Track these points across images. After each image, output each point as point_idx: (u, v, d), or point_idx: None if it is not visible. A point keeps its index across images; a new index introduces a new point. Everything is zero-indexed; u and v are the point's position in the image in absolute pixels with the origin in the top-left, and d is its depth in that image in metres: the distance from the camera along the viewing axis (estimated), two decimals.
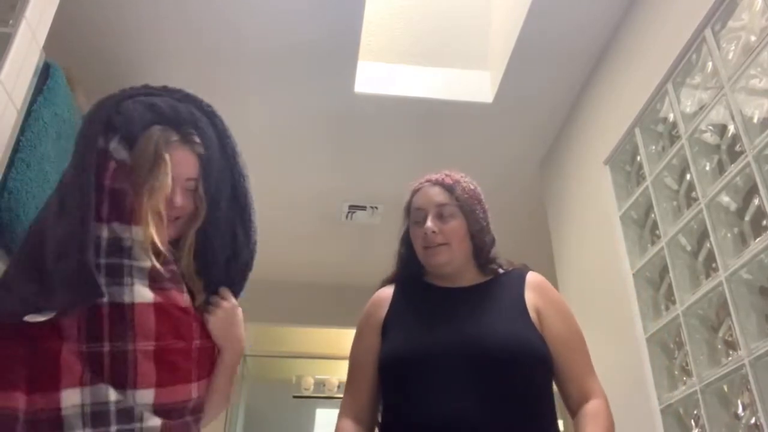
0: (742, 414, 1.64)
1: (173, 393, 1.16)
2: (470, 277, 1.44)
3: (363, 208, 3.58)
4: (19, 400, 1.03)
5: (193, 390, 1.19)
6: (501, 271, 1.47)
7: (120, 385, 1.09)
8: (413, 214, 1.46)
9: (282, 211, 3.62)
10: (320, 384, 5.54)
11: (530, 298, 1.37)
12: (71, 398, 1.05)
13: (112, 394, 1.07)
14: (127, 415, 1.08)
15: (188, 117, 1.34)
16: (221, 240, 1.34)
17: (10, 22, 1.39)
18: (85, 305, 1.10)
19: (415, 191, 1.48)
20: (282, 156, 3.17)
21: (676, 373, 1.93)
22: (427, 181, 1.48)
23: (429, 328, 1.35)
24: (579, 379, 1.32)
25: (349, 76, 2.67)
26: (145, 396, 1.11)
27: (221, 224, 1.34)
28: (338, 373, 5.42)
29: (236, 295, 1.39)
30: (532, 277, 1.43)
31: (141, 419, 1.09)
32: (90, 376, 1.07)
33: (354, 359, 1.43)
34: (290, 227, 3.78)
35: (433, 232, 1.39)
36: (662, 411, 1.93)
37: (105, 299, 1.11)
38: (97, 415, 1.06)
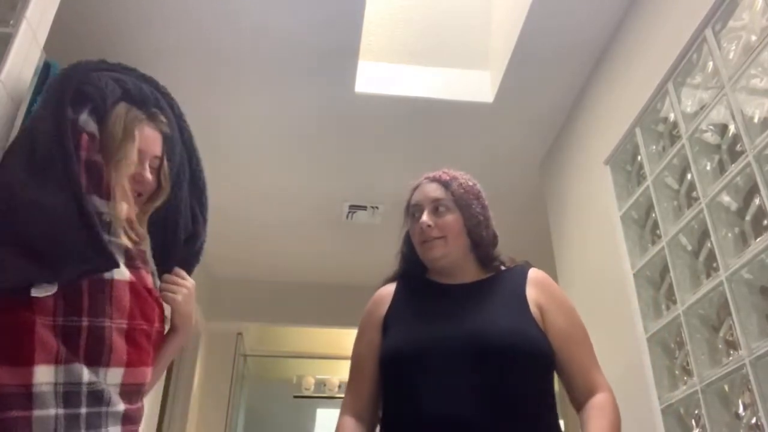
0: (743, 414, 1.64)
1: (138, 374, 1.16)
2: (471, 273, 1.45)
3: (363, 208, 3.58)
4: None
5: (148, 373, 1.20)
6: (503, 268, 1.47)
7: (94, 362, 1.08)
8: (411, 210, 1.49)
9: (283, 211, 3.63)
10: (321, 384, 5.55)
11: (532, 294, 1.37)
12: (45, 375, 1.03)
13: (86, 375, 1.06)
14: (96, 397, 1.07)
15: (152, 97, 1.37)
16: (184, 220, 1.36)
17: (11, 22, 1.39)
18: (95, 276, 1.10)
19: (414, 189, 1.52)
20: (282, 156, 3.17)
21: (677, 372, 1.93)
22: (425, 178, 1.51)
23: (429, 323, 1.36)
24: (584, 373, 1.31)
25: (350, 76, 2.67)
26: (116, 375, 1.11)
27: (182, 204, 1.36)
28: (339, 373, 5.42)
29: (190, 273, 1.39)
30: (534, 274, 1.42)
31: (108, 403, 1.08)
32: (65, 353, 1.05)
33: (355, 357, 1.44)
34: (291, 227, 3.79)
35: (429, 226, 1.42)
36: (663, 411, 1.93)
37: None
38: (69, 395, 1.04)
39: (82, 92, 1.21)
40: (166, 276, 1.32)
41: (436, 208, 1.44)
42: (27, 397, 1.01)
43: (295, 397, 5.48)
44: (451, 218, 1.43)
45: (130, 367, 1.14)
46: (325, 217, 3.67)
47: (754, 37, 1.65)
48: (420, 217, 1.44)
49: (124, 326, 1.14)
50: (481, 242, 1.45)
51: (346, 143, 3.09)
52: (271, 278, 4.38)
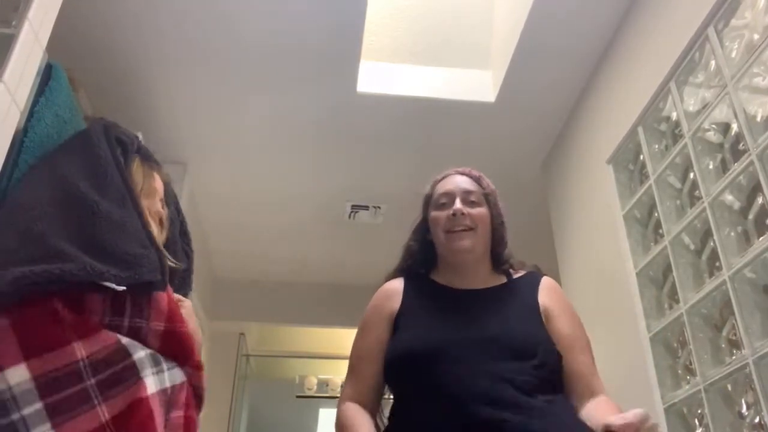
0: (746, 413, 1.64)
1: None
2: (482, 277, 1.42)
3: (366, 207, 3.58)
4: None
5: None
6: (512, 272, 1.46)
7: None
8: (437, 199, 1.45)
9: (285, 211, 3.63)
10: (323, 384, 5.55)
11: (543, 302, 1.37)
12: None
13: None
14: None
15: (149, 152, 1.67)
16: (180, 254, 1.60)
17: (13, 23, 1.39)
18: (153, 288, 1.30)
19: (439, 180, 1.50)
20: (284, 156, 3.17)
21: (680, 372, 1.93)
22: (454, 171, 1.50)
23: (448, 326, 1.33)
24: (586, 379, 1.31)
25: (352, 75, 2.67)
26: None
27: (177, 242, 1.62)
28: (341, 372, 5.39)
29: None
30: (546, 282, 1.42)
31: None
32: None
33: (359, 350, 1.40)
34: (293, 227, 3.79)
35: (463, 213, 1.39)
36: (666, 410, 1.93)
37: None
38: None
39: (119, 139, 1.53)
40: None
41: (467, 199, 1.41)
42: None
43: (298, 397, 5.48)
44: (483, 211, 1.42)
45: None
46: (327, 217, 3.67)
47: (756, 36, 1.65)
48: (451, 204, 1.41)
49: (161, 328, 1.30)
50: (500, 243, 1.45)
51: (348, 143, 3.09)
52: (273, 278, 4.38)
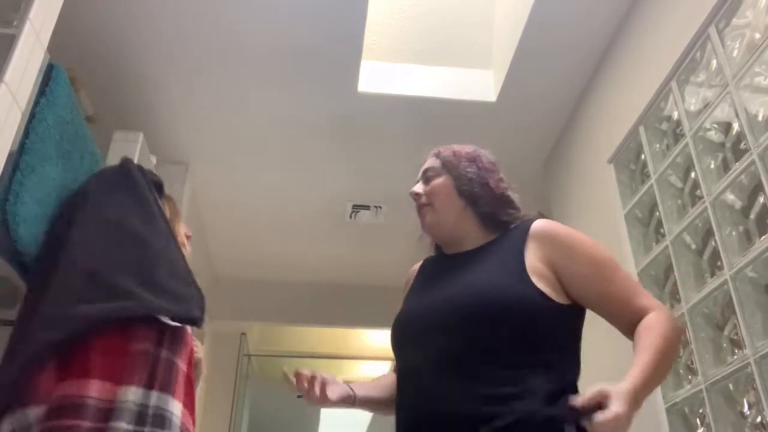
0: (748, 413, 1.64)
1: (188, 415, 1.43)
2: (475, 238, 1.37)
3: (367, 207, 3.57)
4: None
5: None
6: (512, 227, 1.37)
7: (165, 390, 1.34)
8: None
9: (286, 211, 3.63)
10: None
11: (535, 250, 1.27)
12: (131, 395, 1.28)
13: (155, 399, 1.32)
14: (160, 421, 1.30)
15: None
16: None
17: (14, 23, 1.39)
18: (195, 324, 1.43)
19: None
20: (285, 155, 3.17)
21: (682, 371, 1.92)
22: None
23: (423, 295, 1.36)
24: (625, 306, 1.22)
25: (353, 75, 2.67)
26: (177, 407, 1.35)
27: None
28: (343, 372, 5.42)
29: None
30: (536, 227, 1.31)
31: (170, 428, 1.30)
32: (148, 379, 1.31)
33: None
34: (294, 227, 3.79)
35: (416, 194, 1.42)
36: (667, 410, 1.93)
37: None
38: (141, 415, 1.28)
39: (154, 180, 1.72)
40: None
41: (426, 177, 1.44)
42: (108, 411, 1.24)
43: (300, 396, 5.48)
44: (438, 182, 1.40)
45: (184, 408, 1.39)
46: (328, 216, 3.67)
47: (758, 35, 1.65)
48: None
49: (185, 369, 1.40)
50: (476, 200, 1.38)
51: (348, 143, 3.09)
52: (274, 278, 4.37)
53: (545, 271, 1.24)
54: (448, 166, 1.42)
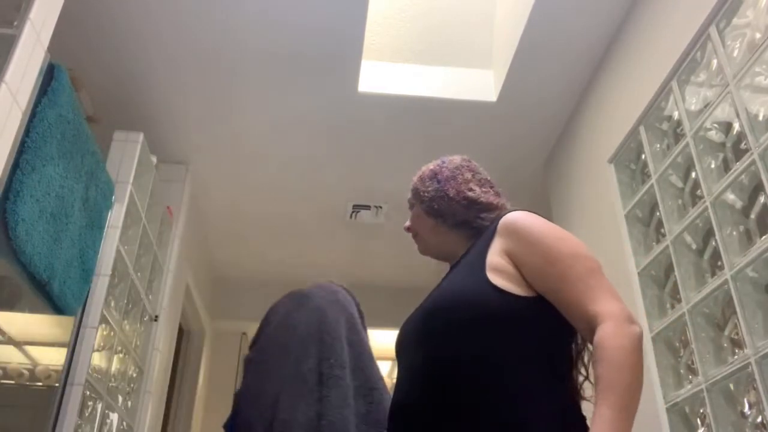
0: (749, 412, 1.64)
1: None
2: (463, 248, 1.37)
3: (367, 207, 3.58)
4: None
5: None
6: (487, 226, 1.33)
7: None
8: None
9: (286, 211, 3.63)
10: None
11: (499, 245, 1.21)
12: None
13: None
14: None
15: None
16: None
17: (15, 23, 1.39)
18: None
19: None
20: (286, 155, 3.17)
21: (682, 371, 1.92)
22: None
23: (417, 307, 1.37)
24: (577, 311, 1.09)
25: (353, 75, 2.68)
26: None
27: None
28: None
29: None
30: (502, 221, 1.25)
31: None
32: None
33: None
34: (295, 227, 3.79)
35: (406, 228, 1.47)
36: (668, 410, 1.93)
37: None
38: None
39: (359, 310, 1.73)
40: None
41: (409, 209, 1.48)
42: None
43: None
44: (413, 212, 1.45)
45: None
46: (329, 216, 3.67)
47: (758, 35, 1.65)
48: None
49: None
50: (441, 216, 1.38)
51: (349, 143, 3.09)
52: (275, 278, 4.37)
53: (505, 264, 1.18)
54: (415, 194, 1.45)
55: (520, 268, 1.17)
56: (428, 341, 1.17)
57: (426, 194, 1.41)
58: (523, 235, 1.20)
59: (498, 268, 1.18)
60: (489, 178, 1.44)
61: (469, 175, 1.42)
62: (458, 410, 1.08)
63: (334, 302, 1.62)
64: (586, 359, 1.21)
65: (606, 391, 0.98)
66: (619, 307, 1.06)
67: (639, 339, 1.03)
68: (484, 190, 1.39)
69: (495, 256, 1.20)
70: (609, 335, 1.02)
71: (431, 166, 1.47)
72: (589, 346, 1.20)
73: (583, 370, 1.21)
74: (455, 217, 1.37)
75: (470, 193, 1.37)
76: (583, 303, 1.09)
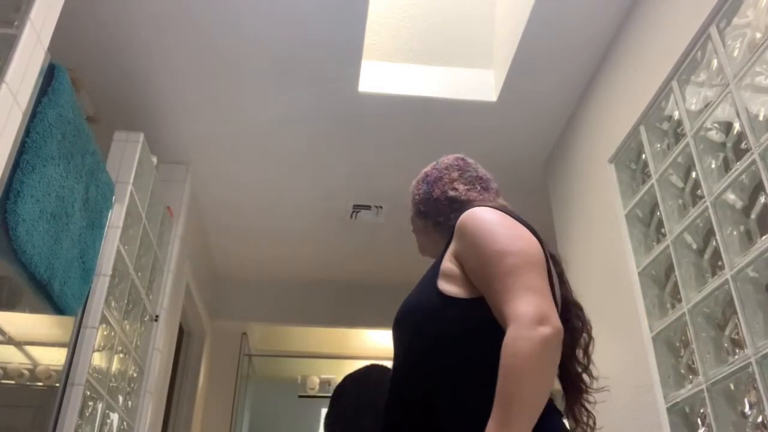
0: (749, 413, 1.64)
1: None
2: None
3: (367, 207, 3.58)
4: None
5: None
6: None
7: None
8: None
9: (286, 211, 3.63)
10: (325, 383, 5.54)
11: (452, 246, 1.22)
12: None
13: None
14: None
15: None
16: None
17: (15, 23, 1.39)
18: None
19: None
20: (286, 155, 3.17)
21: (683, 371, 1.92)
22: None
23: None
24: (498, 313, 1.06)
25: (353, 75, 2.67)
26: None
27: None
28: (344, 372, 5.39)
29: None
30: (457, 222, 1.23)
31: None
32: None
33: None
34: (295, 227, 3.79)
35: (412, 229, 1.51)
36: (668, 410, 1.93)
37: None
38: None
39: None
40: None
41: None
42: None
43: (300, 396, 5.48)
44: (411, 216, 1.50)
45: None
46: (329, 216, 3.67)
47: (759, 35, 1.65)
48: None
49: None
50: (427, 216, 1.43)
51: (349, 143, 3.09)
52: (275, 278, 4.38)
53: (453, 268, 1.18)
54: (411, 199, 1.49)
55: (466, 271, 1.16)
56: (396, 344, 1.25)
57: (417, 197, 1.46)
58: (466, 236, 1.18)
59: (447, 273, 1.19)
60: (482, 175, 1.45)
61: (455, 174, 1.43)
62: (413, 410, 1.13)
63: None
64: (589, 349, 1.28)
65: (495, 404, 0.94)
66: (528, 308, 0.99)
67: (544, 341, 0.96)
68: (467, 188, 1.40)
69: (447, 260, 1.22)
70: (508, 341, 0.97)
71: (427, 168, 1.50)
72: (585, 336, 1.28)
73: (585, 361, 1.27)
74: (436, 217, 1.41)
75: (452, 192, 1.39)
76: (499, 305, 1.05)
